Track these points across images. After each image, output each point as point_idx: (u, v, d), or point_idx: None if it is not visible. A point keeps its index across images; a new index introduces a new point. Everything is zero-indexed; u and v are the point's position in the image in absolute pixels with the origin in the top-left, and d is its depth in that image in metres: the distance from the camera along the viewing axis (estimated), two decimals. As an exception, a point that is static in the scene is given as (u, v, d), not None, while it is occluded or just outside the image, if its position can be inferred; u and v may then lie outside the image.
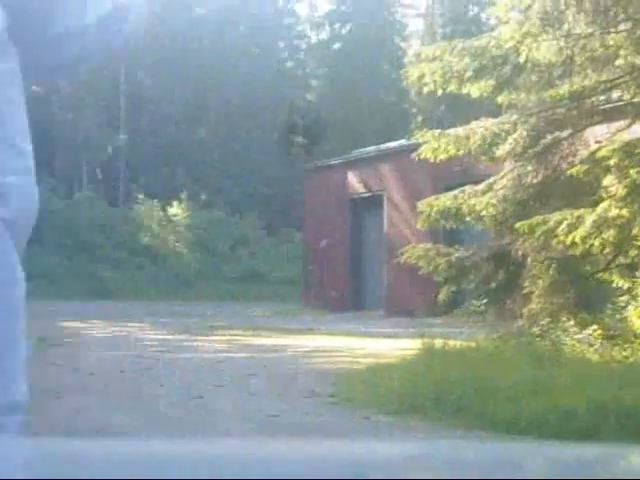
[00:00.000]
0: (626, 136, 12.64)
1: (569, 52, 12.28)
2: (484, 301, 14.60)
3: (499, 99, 14.03)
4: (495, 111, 14.94)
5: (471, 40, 13.90)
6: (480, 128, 13.75)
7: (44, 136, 47.05)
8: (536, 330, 12.85)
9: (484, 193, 13.78)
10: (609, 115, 13.79)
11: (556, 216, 12.05)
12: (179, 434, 8.49)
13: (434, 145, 13.94)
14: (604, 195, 11.94)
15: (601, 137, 13.43)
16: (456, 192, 14.21)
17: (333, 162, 32.03)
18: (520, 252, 13.46)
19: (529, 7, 12.34)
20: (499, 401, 9.06)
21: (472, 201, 13.76)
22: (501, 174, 14.02)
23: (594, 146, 13.00)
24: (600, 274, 12.98)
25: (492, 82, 13.63)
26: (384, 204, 28.55)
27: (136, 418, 9.40)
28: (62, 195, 43.88)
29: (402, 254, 14.59)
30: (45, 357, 15.18)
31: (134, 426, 8.87)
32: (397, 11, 56.35)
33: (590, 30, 11.91)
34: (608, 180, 11.86)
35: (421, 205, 14.63)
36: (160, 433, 8.60)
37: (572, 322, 12.54)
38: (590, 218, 11.59)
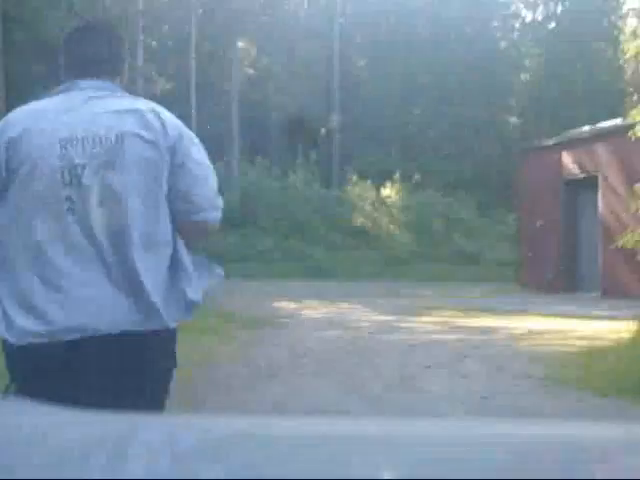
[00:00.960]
0: None
1: None
2: None
3: None
4: None
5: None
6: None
7: (259, 119, 48.32)
8: None
9: None
10: None
11: None
12: (390, 415, 8.69)
13: (650, 124, 13.62)
14: None
15: None
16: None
17: (547, 143, 31.54)
18: None
19: None
20: None
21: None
22: None
23: None
24: None
25: None
26: (599, 186, 27.90)
27: (348, 399, 9.64)
28: (277, 177, 44.91)
29: (619, 238, 14.31)
30: (260, 337, 15.73)
31: (345, 407, 9.11)
32: (614, -13, 54.72)
33: None
34: None
35: (638, 187, 14.31)
36: (372, 414, 8.82)
37: None
38: None
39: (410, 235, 43.59)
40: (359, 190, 45.51)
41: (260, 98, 50.75)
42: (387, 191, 45.31)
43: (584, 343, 14.01)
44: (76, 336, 3.45)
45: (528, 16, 56.52)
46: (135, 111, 3.82)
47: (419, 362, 12.32)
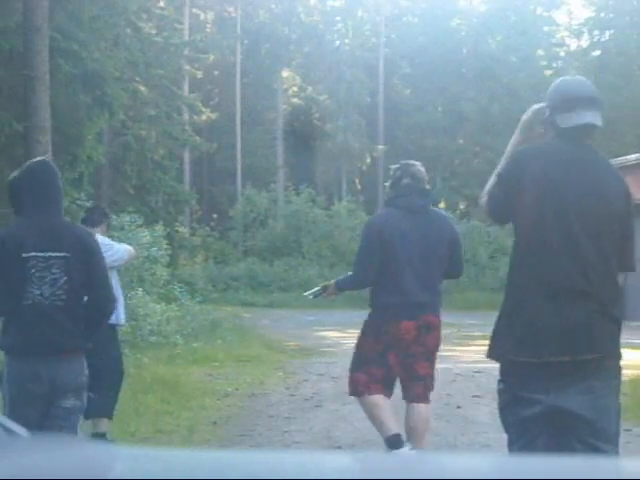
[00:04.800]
0: None
1: None
2: None
3: None
4: None
5: None
6: None
7: (304, 148, 48.51)
8: None
9: None
10: None
11: None
12: (438, 445, 8.64)
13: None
14: None
15: None
16: None
17: (593, 170, 31.34)
18: None
19: None
20: None
21: None
22: None
23: None
24: None
25: None
26: (647, 213, 27.69)
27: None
28: (322, 205, 45.04)
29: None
30: (305, 366, 15.72)
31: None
32: (661, 13, 54.46)
33: None
34: None
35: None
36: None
37: None
38: None
39: (455, 264, 43.42)
40: (404, 219, 45.46)
41: (305, 127, 50.98)
42: (432, 220, 45.23)
43: (630, 372, 13.85)
44: None
45: (573, 44, 56.40)
46: None
47: (465, 391, 12.26)
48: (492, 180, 4.41)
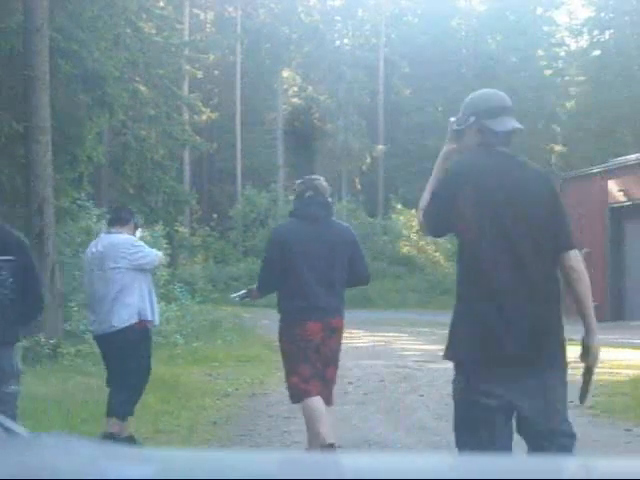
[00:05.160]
0: None
1: None
2: None
3: None
4: None
5: None
6: None
7: (304, 148, 48.50)
8: None
9: None
10: None
11: None
12: (438, 445, 8.64)
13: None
14: None
15: None
16: None
17: (592, 170, 31.38)
18: None
19: None
20: None
21: None
22: None
23: None
24: None
25: None
26: (646, 213, 27.74)
27: (395, 429, 9.61)
28: (323, 205, 44.98)
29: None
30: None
31: (391, 437, 9.08)
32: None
33: None
34: None
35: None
36: (418, 444, 8.77)
37: None
38: None
39: (456, 264, 43.42)
40: (404, 218, 45.50)
41: (305, 127, 50.98)
42: (432, 219, 45.20)
43: (632, 372, 13.86)
44: None
45: (573, 44, 56.38)
46: None
47: (465, 391, 12.24)
48: (425, 197, 4.65)
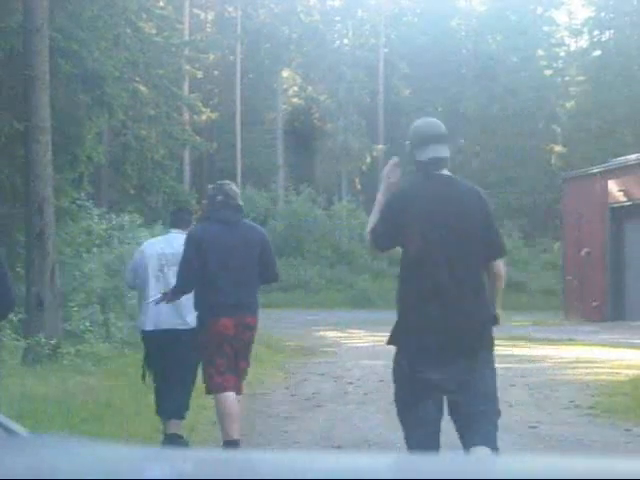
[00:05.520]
0: None
1: None
2: None
3: None
4: None
5: None
6: None
7: (304, 148, 48.50)
8: None
9: None
10: None
11: None
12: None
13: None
14: None
15: None
16: None
17: (593, 170, 31.37)
18: None
19: None
20: None
21: None
22: None
23: None
24: None
25: None
26: (646, 213, 27.73)
27: (395, 429, 9.60)
28: (322, 205, 45.04)
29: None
30: (306, 366, 15.72)
31: (391, 437, 9.07)
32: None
33: None
34: None
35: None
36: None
37: None
38: None
39: (455, 264, 43.40)
40: (404, 219, 45.46)
41: (305, 127, 50.98)
42: (432, 219, 45.20)
43: (632, 372, 13.86)
44: None
45: (573, 44, 56.37)
46: None
47: (465, 391, 12.25)
48: (371, 221, 5.43)
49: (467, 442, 5.31)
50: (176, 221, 8.64)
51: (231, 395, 7.38)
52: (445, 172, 5.47)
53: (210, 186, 8.01)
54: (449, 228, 5.29)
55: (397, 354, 5.43)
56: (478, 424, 5.26)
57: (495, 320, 5.50)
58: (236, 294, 7.42)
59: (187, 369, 8.18)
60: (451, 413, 5.41)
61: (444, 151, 5.46)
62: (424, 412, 5.33)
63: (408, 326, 5.32)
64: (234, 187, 7.79)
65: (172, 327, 8.07)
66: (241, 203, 7.77)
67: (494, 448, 5.22)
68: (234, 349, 7.48)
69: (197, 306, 7.60)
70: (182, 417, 8.28)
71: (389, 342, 5.45)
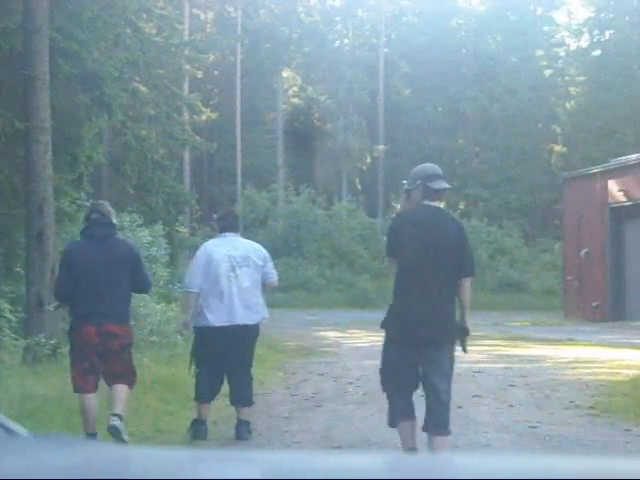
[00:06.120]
0: None
1: None
2: None
3: None
4: None
5: None
6: None
7: (304, 148, 48.50)
8: None
9: None
10: None
11: None
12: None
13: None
14: None
15: None
16: None
17: (593, 170, 31.37)
18: None
19: None
20: None
21: None
22: None
23: None
24: None
25: None
26: (647, 213, 27.73)
27: (394, 429, 9.60)
28: (322, 205, 45.03)
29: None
30: (306, 366, 15.72)
31: (391, 437, 9.07)
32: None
33: None
34: None
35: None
36: (419, 444, 8.76)
37: None
38: None
39: (455, 264, 43.40)
40: (404, 219, 45.43)
41: (305, 127, 50.99)
42: (432, 220, 45.17)
43: (632, 372, 13.86)
44: None
45: (573, 44, 56.36)
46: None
47: (466, 391, 12.25)
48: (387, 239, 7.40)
49: (426, 400, 7.15)
50: (227, 226, 9.22)
51: (90, 396, 8.17)
52: (437, 203, 7.13)
53: (88, 204, 8.96)
54: (435, 246, 6.90)
55: (386, 340, 7.15)
56: (439, 390, 7.04)
57: (466, 331, 7.07)
58: (100, 304, 8.14)
59: (247, 361, 9.14)
60: (423, 385, 7.11)
61: (446, 185, 7.19)
62: (402, 378, 7.04)
63: (396, 316, 7.00)
64: (108, 206, 8.59)
65: (243, 323, 9.02)
66: (114, 221, 8.53)
67: (446, 409, 7.16)
68: (98, 354, 8.23)
69: (70, 313, 8.55)
70: (252, 403, 9.18)
71: (382, 326, 7.16)
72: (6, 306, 12.70)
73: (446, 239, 6.96)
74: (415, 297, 6.91)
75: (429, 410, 7.08)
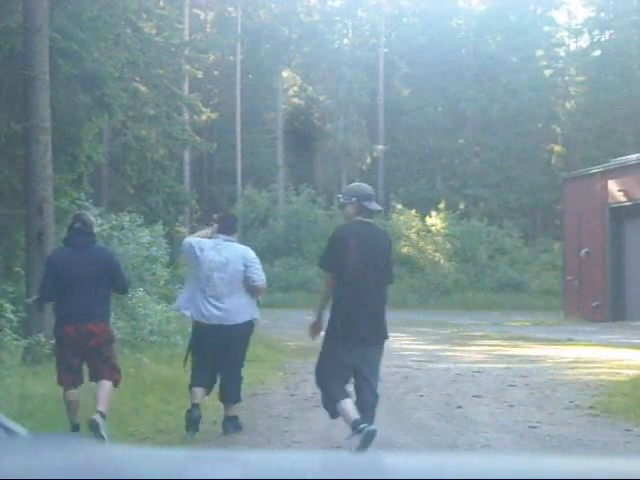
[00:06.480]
0: None
1: None
2: None
3: None
4: None
5: None
6: None
7: (304, 148, 48.50)
8: None
9: None
10: None
11: None
12: (438, 445, 8.64)
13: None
14: None
15: None
16: None
17: (593, 170, 31.38)
18: None
19: None
20: None
21: None
22: None
23: None
24: None
25: None
26: (646, 212, 27.72)
27: (395, 428, 9.61)
28: (322, 205, 45.04)
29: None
30: (306, 366, 15.70)
31: (392, 437, 9.07)
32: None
33: None
34: None
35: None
36: (418, 443, 8.77)
37: None
38: None
39: (455, 264, 43.48)
40: (404, 219, 45.49)
41: (305, 127, 50.98)
42: (432, 220, 45.26)
43: (632, 372, 13.87)
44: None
45: (573, 44, 56.35)
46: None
47: (465, 391, 12.26)
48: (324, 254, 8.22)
49: (358, 392, 8.01)
50: (222, 228, 9.56)
51: (70, 392, 8.79)
52: (369, 220, 8.10)
53: (73, 214, 9.87)
54: (369, 257, 7.87)
55: (327, 339, 7.98)
56: (372, 383, 7.95)
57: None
58: (79, 305, 8.80)
59: (238, 359, 9.52)
60: (354, 376, 7.94)
61: (377, 207, 8.33)
62: (336, 376, 7.85)
63: (338, 318, 7.84)
64: (90, 217, 9.44)
65: (218, 323, 9.38)
66: (94, 230, 9.34)
67: (375, 395, 8.02)
68: (79, 353, 8.85)
69: (54, 314, 9.31)
70: (239, 401, 9.61)
71: (324, 331, 8.02)
72: (8, 306, 12.70)
73: (379, 251, 7.96)
74: (354, 302, 7.77)
75: (363, 401, 7.88)
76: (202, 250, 9.45)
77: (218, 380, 9.51)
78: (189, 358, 9.59)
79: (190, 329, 9.90)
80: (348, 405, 7.75)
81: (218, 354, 9.35)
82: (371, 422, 7.71)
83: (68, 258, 8.94)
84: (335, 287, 7.93)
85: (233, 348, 9.40)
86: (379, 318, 7.93)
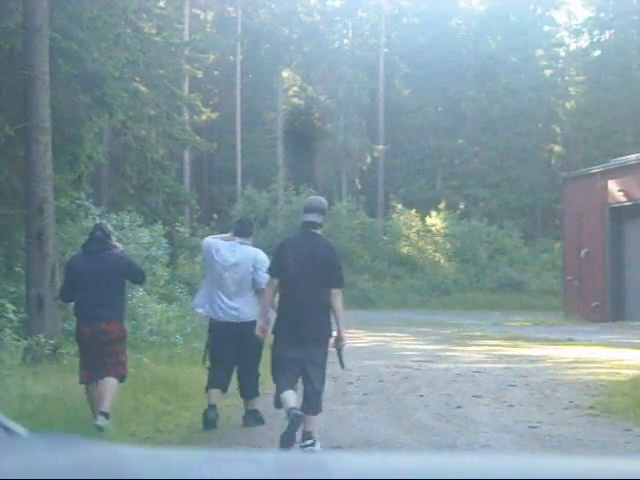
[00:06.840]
0: None
1: None
2: None
3: None
4: None
5: None
6: None
7: (304, 147, 48.48)
8: None
9: None
10: None
11: None
12: (438, 445, 8.64)
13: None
14: None
15: None
16: None
17: (593, 170, 31.37)
18: None
19: None
20: None
21: None
22: None
23: None
24: None
25: None
26: (647, 213, 27.71)
27: (395, 429, 9.61)
28: (322, 205, 44.99)
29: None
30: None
31: (392, 438, 9.07)
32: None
33: None
34: None
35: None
36: (418, 444, 8.77)
37: None
38: None
39: (455, 264, 43.49)
40: (404, 219, 45.49)
41: (305, 127, 50.97)
42: (432, 220, 45.26)
43: (632, 372, 13.86)
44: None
45: (573, 44, 56.35)
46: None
47: (465, 391, 12.25)
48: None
49: (305, 387, 8.61)
50: (238, 230, 10.28)
51: (91, 386, 9.21)
52: (316, 231, 8.60)
53: (94, 224, 10.80)
54: (309, 265, 8.45)
55: (275, 340, 8.66)
56: (312, 379, 8.54)
57: (340, 339, 8.61)
58: (95, 308, 9.33)
59: (252, 356, 10.19)
60: (302, 372, 8.53)
61: (314, 218, 8.61)
62: (285, 375, 8.52)
63: (282, 320, 8.51)
64: (109, 227, 10.25)
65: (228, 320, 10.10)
66: (113, 239, 9.88)
67: (320, 392, 8.65)
68: (94, 350, 9.28)
69: (74, 315, 9.95)
70: (258, 395, 10.31)
71: (272, 332, 8.76)
72: (9, 306, 12.71)
73: (319, 259, 8.49)
74: (295, 305, 8.45)
75: (305, 395, 8.58)
76: (218, 250, 10.17)
77: (235, 376, 10.20)
78: (206, 357, 10.21)
79: (207, 328, 10.47)
80: (288, 395, 8.39)
81: (235, 350, 10.01)
82: (315, 412, 8.54)
83: (84, 264, 9.52)
84: (279, 291, 8.60)
85: (248, 344, 9.89)
86: (316, 319, 8.51)
